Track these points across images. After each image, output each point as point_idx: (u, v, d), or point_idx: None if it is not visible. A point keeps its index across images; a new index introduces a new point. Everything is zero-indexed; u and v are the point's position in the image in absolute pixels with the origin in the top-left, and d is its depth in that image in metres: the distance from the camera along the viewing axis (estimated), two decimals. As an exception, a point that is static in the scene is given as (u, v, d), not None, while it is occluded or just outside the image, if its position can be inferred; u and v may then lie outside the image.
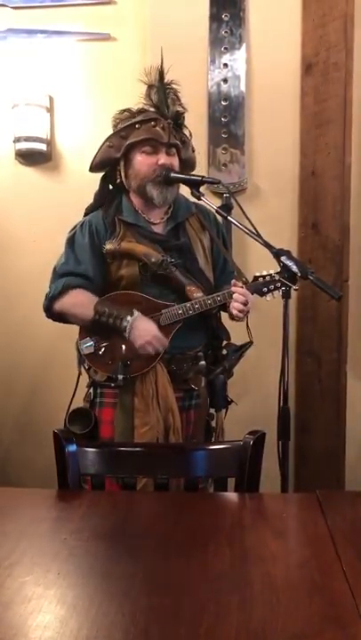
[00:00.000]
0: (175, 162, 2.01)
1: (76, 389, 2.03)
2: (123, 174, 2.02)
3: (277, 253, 1.86)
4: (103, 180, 2.08)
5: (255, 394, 2.56)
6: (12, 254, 2.90)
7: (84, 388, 2.06)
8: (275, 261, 1.88)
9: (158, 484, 1.50)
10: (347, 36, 2.61)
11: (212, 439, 2.07)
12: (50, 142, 2.83)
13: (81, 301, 1.96)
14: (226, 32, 2.68)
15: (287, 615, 0.91)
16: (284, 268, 1.85)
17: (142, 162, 1.97)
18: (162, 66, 1.96)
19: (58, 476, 1.47)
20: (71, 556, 1.10)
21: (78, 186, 2.51)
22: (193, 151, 2.10)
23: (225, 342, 2.09)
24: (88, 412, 2.00)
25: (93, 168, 2.06)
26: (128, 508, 1.36)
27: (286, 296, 1.87)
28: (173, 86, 2.00)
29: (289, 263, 1.84)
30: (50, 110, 2.82)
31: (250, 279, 1.98)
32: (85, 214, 2.08)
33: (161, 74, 1.97)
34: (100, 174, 2.08)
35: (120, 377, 1.91)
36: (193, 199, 2.00)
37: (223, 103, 2.69)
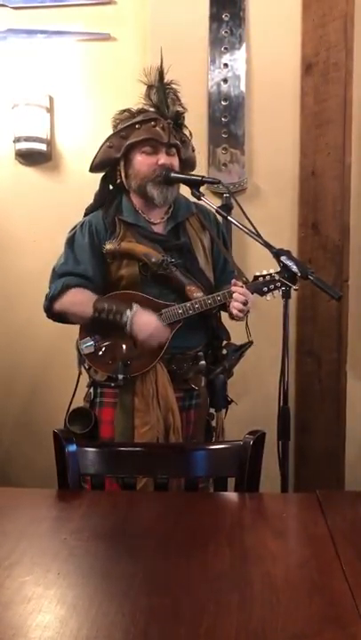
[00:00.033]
0: (175, 162, 2.01)
1: (76, 389, 2.03)
2: (123, 174, 2.02)
3: (277, 253, 1.86)
4: (103, 180, 2.08)
5: (255, 394, 2.56)
6: (11, 254, 2.90)
7: (85, 387, 2.06)
8: (275, 261, 1.88)
9: (158, 484, 1.50)
10: (347, 36, 2.61)
11: (213, 439, 2.07)
12: (50, 142, 2.83)
13: (80, 300, 1.96)
14: (226, 32, 2.68)
15: (287, 615, 0.91)
16: (284, 267, 1.85)
17: (142, 162, 1.98)
18: (161, 66, 1.97)
19: (58, 476, 1.48)
20: (71, 556, 1.10)
21: (78, 186, 2.51)
22: (193, 151, 2.10)
23: (225, 342, 2.09)
24: (88, 412, 2.00)
25: (94, 168, 2.06)
26: (128, 508, 1.36)
27: (286, 296, 1.87)
28: (173, 86, 2.00)
29: (289, 263, 1.84)
30: (50, 110, 2.82)
31: (250, 279, 1.98)
32: (85, 214, 2.08)
33: (161, 74, 1.97)
34: (101, 174, 2.08)
35: (120, 377, 1.91)
36: (193, 199, 2.00)
37: (223, 103, 2.69)
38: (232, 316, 1.99)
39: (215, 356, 2.09)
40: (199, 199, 1.95)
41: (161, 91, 1.98)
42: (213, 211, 2.03)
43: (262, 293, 1.93)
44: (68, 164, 2.85)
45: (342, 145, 2.63)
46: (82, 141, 2.76)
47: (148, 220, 2.03)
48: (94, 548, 1.14)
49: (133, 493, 1.51)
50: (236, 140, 2.70)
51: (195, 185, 1.95)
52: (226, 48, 2.69)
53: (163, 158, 1.96)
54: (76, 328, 2.03)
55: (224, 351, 2.07)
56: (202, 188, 1.96)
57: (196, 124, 2.25)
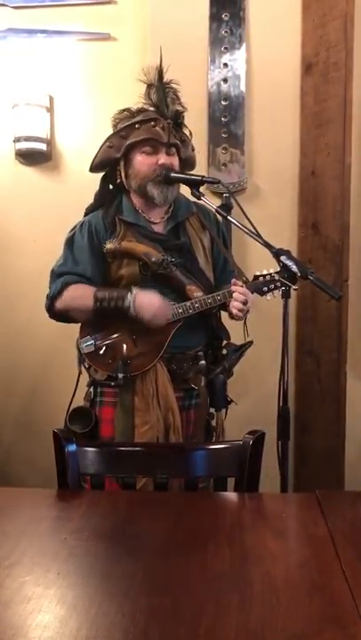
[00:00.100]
0: (175, 161, 2.01)
1: (76, 389, 2.03)
2: (123, 174, 2.02)
3: (277, 253, 1.86)
4: (103, 180, 2.08)
5: (255, 394, 2.56)
6: (12, 254, 2.90)
7: (85, 387, 2.06)
8: (275, 261, 1.88)
9: (158, 484, 1.50)
10: (347, 36, 2.61)
11: (213, 439, 2.07)
12: (50, 142, 2.83)
13: (80, 293, 1.97)
14: (226, 32, 2.68)
15: (287, 615, 0.91)
16: (284, 267, 1.85)
17: (142, 162, 1.98)
18: (161, 65, 1.97)
19: (58, 476, 1.48)
20: (71, 556, 1.10)
21: (78, 186, 2.51)
22: (193, 150, 2.10)
23: (225, 342, 2.09)
24: (88, 412, 2.00)
25: (94, 168, 2.06)
26: (128, 508, 1.36)
27: (286, 296, 1.87)
28: (173, 85, 2.00)
29: (289, 263, 1.84)
30: (50, 110, 2.82)
31: (250, 279, 1.98)
32: (85, 214, 2.08)
33: (160, 73, 1.97)
34: (100, 174, 2.08)
35: (120, 376, 1.91)
36: (193, 199, 2.00)
37: (223, 103, 2.69)
38: (232, 316, 1.99)
39: (215, 355, 2.09)
40: (199, 199, 1.96)
41: (160, 90, 1.98)
42: (213, 210, 2.03)
43: (262, 293, 1.93)
44: (68, 163, 2.85)
45: (342, 145, 2.63)
46: (82, 141, 2.76)
47: (149, 220, 2.03)
48: (94, 547, 1.14)
49: (133, 493, 1.51)
50: (236, 140, 2.70)
51: (195, 185, 1.95)
52: (226, 48, 2.69)
53: (163, 158, 1.96)
54: (75, 328, 2.03)
55: (224, 351, 2.07)
56: (202, 188, 1.96)
57: (196, 124, 2.25)
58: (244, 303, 1.90)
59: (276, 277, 1.90)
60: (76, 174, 2.75)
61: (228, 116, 2.69)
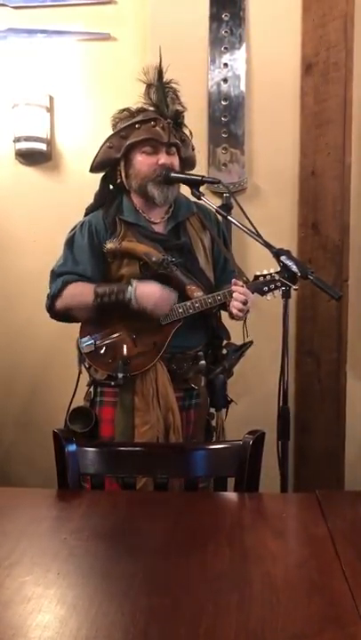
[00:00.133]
0: (175, 161, 2.01)
1: (76, 388, 2.03)
2: (123, 174, 2.02)
3: (277, 253, 1.86)
4: (103, 180, 2.08)
5: (255, 394, 2.56)
6: (12, 254, 2.90)
7: (85, 387, 2.06)
8: (275, 261, 1.88)
9: (158, 484, 1.50)
10: (347, 36, 2.61)
11: (213, 439, 2.07)
12: (50, 142, 2.83)
13: (80, 290, 1.97)
14: (226, 32, 2.68)
15: (287, 615, 0.91)
16: (284, 267, 1.85)
17: (143, 162, 1.98)
18: (160, 65, 1.97)
19: (58, 476, 1.48)
20: (71, 556, 1.10)
21: (78, 186, 2.51)
22: (193, 150, 2.10)
23: (225, 342, 2.09)
24: (88, 411, 2.01)
25: (94, 169, 2.06)
26: (128, 508, 1.36)
27: (286, 296, 1.87)
28: (172, 85, 2.00)
29: (289, 263, 1.84)
30: (50, 110, 2.82)
31: (250, 278, 1.98)
32: (86, 214, 2.08)
33: (160, 73, 1.97)
34: (101, 175, 2.08)
35: (120, 375, 1.91)
36: (193, 199, 2.00)
37: (223, 103, 2.69)
38: (232, 316, 1.99)
39: (215, 355, 2.09)
40: (199, 199, 1.96)
41: (160, 90, 1.98)
42: (213, 210, 2.03)
43: (263, 293, 1.93)
44: (68, 163, 2.85)
45: (342, 145, 2.63)
46: (82, 141, 2.76)
47: (149, 220, 2.03)
48: (94, 547, 1.14)
49: (133, 493, 1.52)
50: (236, 140, 2.70)
51: (195, 185, 1.95)
52: (226, 48, 2.69)
53: (163, 158, 1.96)
54: (75, 328, 2.04)
55: (224, 351, 2.07)
56: (202, 188, 1.96)
57: (196, 124, 2.25)
58: (245, 303, 1.90)
59: (277, 277, 1.90)
60: (76, 174, 2.75)
61: (228, 116, 2.69)
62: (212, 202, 2.01)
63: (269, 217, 2.52)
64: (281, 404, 1.88)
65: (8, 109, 2.81)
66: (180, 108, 2.02)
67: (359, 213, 2.68)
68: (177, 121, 2.01)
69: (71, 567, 1.07)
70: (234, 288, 1.91)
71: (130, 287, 1.91)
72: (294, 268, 1.83)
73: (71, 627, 0.88)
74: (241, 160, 2.70)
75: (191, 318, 1.96)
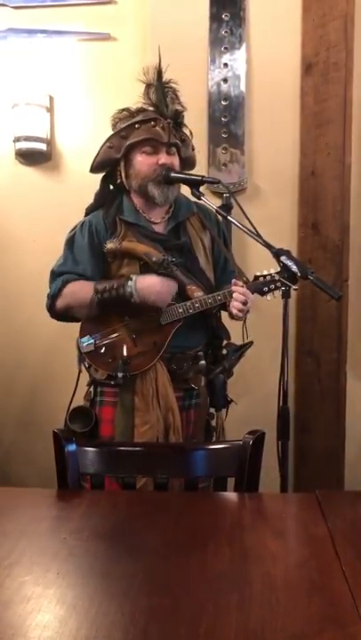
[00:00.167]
0: (176, 161, 2.01)
1: (76, 388, 2.03)
2: (123, 174, 2.02)
3: (277, 253, 1.86)
4: (104, 180, 2.08)
5: (255, 394, 2.56)
6: (12, 254, 2.90)
7: (85, 386, 2.06)
8: (275, 261, 1.88)
9: (158, 484, 1.50)
10: (347, 36, 2.61)
11: (213, 439, 2.07)
12: (50, 142, 2.83)
13: (80, 287, 1.97)
14: (226, 32, 2.68)
15: (286, 615, 0.91)
16: (284, 267, 1.85)
17: (143, 162, 1.98)
18: (160, 65, 1.97)
19: (57, 476, 1.48)
20: (71, 556, 1.10)
21: (78, 186, 2.51)
22: (193, 150, 2.10)
23: (225, 342, 2.09)
24: (88, 411, 2.01)
25: (94, 169, 2.06)
26: (128, 508, 1.36)
27: (286, 296, 1.87)
28: (172, 85, 2.00)
29: (289, 263, 1.84)
30: (50, 110, 2.82)
31: (250, 279, 1.98)
32: (86, 214, 2.08)
33: (159, 73, 1.97)
34: (101, 175, 2.08)
35: (120, 375, 1.91)
36: (193, 199, 2.00)
37: (223, 103, 2.69)
38: (232, 316, 1.99)
39: (215, 355, 2.09)
40: (199, 199, 1.96)
41: (160, 90, 1.98)
42: (213, 210, 2.03)
43: (263, 293, 1.93)
44: (68, 163, 2.85)
45: (342, 145, 2.63)
46: (82, 141, 2.76)
47: (149, 220, 2.03)
48: (94, 547, 1.14)
49: (133, 493, 1.51)
50: (236, 140, 2.70)
51: (195, 185, 1.95)
52: (226, 48, 2.69)
53: (163, 158, 1.96)
54: (76, 327, 2.04)
55: (224, 351, 2.07)
56: (202, 188, 1.96)
57: (196, 124, 2.25)
58: (245, 303, 1.90)
59: (277, 277, 1.90)
60: (76, 174, 2.75)
61: (228, 116, 2.69)
62: (212, 202, 2.01)
63: (269, 217, 2.52)
64: (281, 404, 1.88)
65: (8, 109, 2.81)
66: (179, 107, 2.02)
67: (359, 213, 2.68)
68: (177, 121, 2.01)
69: (71, 567, 1.07)
70: (234, 288, 1.91)
71: (130, 281, 1.91)
72: (294, 268, 1.83)
73: (71, 626, 0.88)
74: (241, 160, 2.70)
75: (191, 318, 1.96)
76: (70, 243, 2.02)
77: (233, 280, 1.94)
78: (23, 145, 2.79)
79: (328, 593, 0.97)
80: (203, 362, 2.03)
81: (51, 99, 2.82)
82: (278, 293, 1.91)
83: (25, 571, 1.04)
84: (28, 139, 2.77)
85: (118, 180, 2.04)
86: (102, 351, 1.97)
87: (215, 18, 2.68)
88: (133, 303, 1.91)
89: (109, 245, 1.96)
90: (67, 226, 2.08)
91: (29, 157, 2.84)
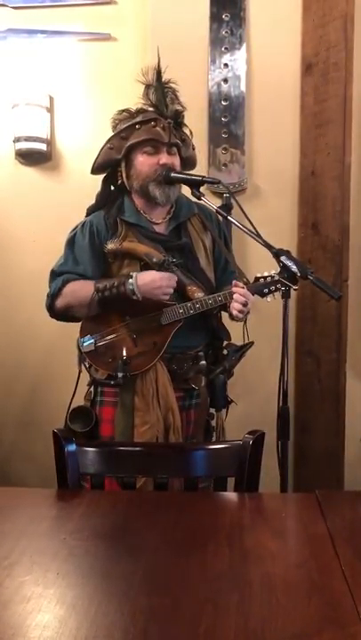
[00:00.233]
0: (176, 161, 2.01)
1: (76, 388, 2.03)
2: (124, 175, 2.03)
3: (277, 253, 1.87)
4: (105, 181, 2.08)
5: (255, 394, 2.56)
6: (12, 254, 2.90)
7: (85, 386, 2.06)
8: (275, 261, 1.88)
9: (158, 484, 1.50)
10: (347, 36, 2.61)
11: (213, 439, 2.07)
12: (50, 142, 2.83)
13: (80, 286, 1.97)
14: (226, 32, 2.68)
15: (286, 615, 0.91)
16: (284, 267, 1.85)
17: (144, 162, 1.98)
18: (159, 65, 1.97)
19: (57, 476, 1.48)
20: (71, 556, 1.10)
21: (78, 186, 2.51)
22: (193, 149, 2.10)
23: (226, 342, 2.10)
24: (89, 411, 2.01)
25: (95, 170, 2.06)
26: (128, 508, 1.36)
27: (286, 296, 1.87)
28: (172, 85, 2.00)
29: (289, 263, 1.84)
30: (50, 110, 2.82)
31: (250, 279, 1.98)
32: (87, 215, 2.08)
33: (159, 73, 1.97)
34: (102, 176, 2.08)
35: (120, 375, 1.91)
36: (194, 199, 2.00)
37: (223, 103, 2.69)
38: (232, 317, 2.00)
39: (216, 356, 2.09)
40: (199, 199, 1.96)
41: (159, 90, 1.98)
42: (214, 211, 2.04)
43: (263, 295, 1.93)
44: (68, 163, 2.85)
45: (342, 145, 2.63)
46: (82, 141, 2.76)
47: (150, 220, 2.03)
48: (94, 547, 1.14)
49: (133, 493, 1.52)
50: (237, 140, 2.70)
51: (195, 185, 1.95)
52: (226, 48, 2.69)
53: (164, 158, 1.97)
54: (76, 327, 2.04)
55: (225, 351, 2.07)
56: (202, 188, 1.96)
57: (197, 124, 2.25)
58: (245, 305, 1.90)
59: (277, 278, 1.90)
60: (76, 174, 2.75)
61: (228, 117, 2.69)
62: (212, 202, 2.02)
63: (269, 217, 2.52)
64: (281, 404, 1.88)
65: (8, 109, 2.81)
66: (179, 107, 2.02)
67: (359, 213, 2.68)
68: (177, 121, 2.01)
69: (71, 567, 1.07)
70: (234, 289, 1.91)
71: (130, 279, 1.91)
72: (294, 268, 1.83)
73: (71, 626, 0.88)
74: (241, 160, 2.70)
75: (191, 318, 1.96)
76: (71, 243, 2.02)
77: (233, 281, 1.94)
78: (23, 145, 2.79)
79: (328, 593, 0.97)
80: (203, 362, 2.04)
81: (51, 99, 2.82)
82: (278, 295, 1.91)
83: (25, 571, 1.04)
84: (28, 139, 2.77)
85: (119, 181, 2.04)
86: (102, 351, 1.97)
87: (215, 18, 2.68)
88: (135, 300, 1.91)
89: (110, 246, 1.97)
90: (67, 226, 2.08)
91: (29, 157, 2.85)
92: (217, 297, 1.95)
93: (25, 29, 2.81)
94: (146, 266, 1.95)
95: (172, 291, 1.93)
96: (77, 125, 2.83)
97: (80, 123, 2.82)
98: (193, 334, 2.01)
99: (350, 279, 2.68)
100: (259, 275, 1.95)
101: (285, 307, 1.87)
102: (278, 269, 1.89)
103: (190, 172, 2.06)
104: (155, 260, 1.94)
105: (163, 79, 1.98)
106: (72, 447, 1.48)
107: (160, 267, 1.93)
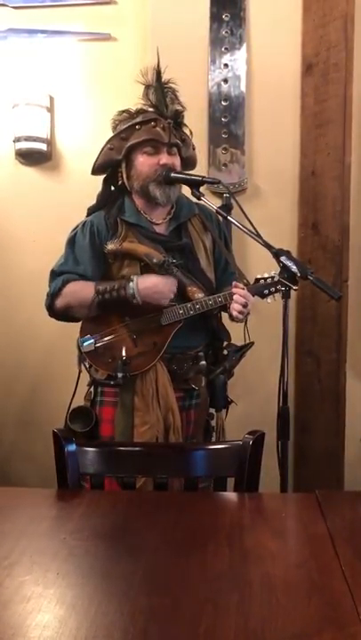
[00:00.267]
0: (177, 161, 2.01)
1: (76, 388, 2.03)
2: (125, 176, 2.03)
3: (277, 253, 1.86)
4: (105, 182, 2.08)
5: (255, 394, 2.56)
6: (12, 254, 2.90)
7: (85, 386, 2.06)
8: (275, 261, 1.88)
9: (158, 484, 1.50)
10: (347, 36, 2.61)
11: (212, 439, 2.07)
12: (50, 142, 2.83)
13: (81, 287, 1.97)
14: (226, 32, 2.68)
15: (286, 615, 0.91)
16: (284, 268, 1.85)
17: (144, 162, 1.98)
18: (158, 65, 1.97)
19: (57, 476, 1.48)
20: (70, 556, 1.10)
21: (78, 186, 2.51)
22: (193, 149, 2.10)
23: (226, 343, 2.10)
24: (89, 411, 2.01)
25: (95, 171, 2.06)
26: (128, 508, 1.36)
27: (286, 296, 1.87)
28: (171, 85, 2.00)
29: (289, 263, 1.84)
30: (50, 110, 2.82)
31: (250, 280, 1.98)
32: (88, 215, 2.08)
33: (158, 73, 1.97)
34: (102, 176, 2.08)
35: (120, 375, 1.91)
36: (194, 199, 2.00)
37: (223, 103, 2.69)
38: (232, 318, 2.00)
39: (216, 356, 2.09)
40: (199, 199, 1.96)
41: (159, 90, 1.98)
42: (214, 211, 2.04)
43: (263, 296, 1.93)
44: (68, 163, 2.85)
45: (342, 145, 2.63)
46: (82, 141, 2.76)
47: (151, 221, 2.03)
48: (94, 547, 1.14)
49: (133, 493, 1.52)
50: (237, 140, 2.70)
51: (195, 185, 1.95)
52: (226, 48, 2.69)
53: (164, 158, 1.97)
54: (76, 327, 2.04)
55: (225, 352, 2.07)
56: (202, 189, 1.96)
57: (197, 124, 2.25)
58: (245, 306, 1.90)
59: (277, 279, 1.90)
60: (76, 174, 2.75)
61: (228, 117, 2.69)
62: (212, 202, 2.02)
63: (269, 217, 2.52)
64: (281, 404, 1.88)
65: (8, 109, 2.81)
66: (179, 107, 2.02)
67: (359, 213, 2.68)
68: (177, 121, 2.01)
69: (71, 567, 1.07)
70: (234, 290, 1.91)
71: (131, 283, 1.91)
72: (294, 268, 1.83)
73: (70, 626, 0.88)
74: (241, 160, 2.70)
75: (191, 319, 1.96)
76: (71, 242, 2.02)
77: (233, 282, 1.94)
78: (23, 145, 2.79)
79: (328, 593, 0.97)
80: (203, 362, 2.04)
81: (51, 99, 2.82)
82: (278, 295, 1.91)
83: (25, 570, 1.04)
84: (28, 139, 2.77)
85: (120, 182, 2.04)
86: (102, 351, 1.97)
87: (215, 18, 2.68)
88: (135, 304, 1.91)
89: (110, 246, 1.97)
90: (67, 226, 2.08)
91: (29, 157, 2.85)
92: (217, 298, 1.95)
93: (25, 29, 2.81)
94: (146, 266, 1.95)
95: (172, 296, 1.94)
96: (77, 125, 2.83)
97: (80, 123, 2.82)
98: (193, 334, 2.01)
99: (350, 279, 2.68)
100: (259, 276, 1.96)
101: (285, 307, 1.87)
102: (278, 270, 1.89)
103: (190, 173, 2.06)
104: (155, 260, 1.94)
105: (163, 79, 1.98)
106: (72, 447, 1.48)
107: (160, 267, 1.93)
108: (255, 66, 2.70)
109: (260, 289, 1.93)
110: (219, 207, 2.01)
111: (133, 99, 2.03)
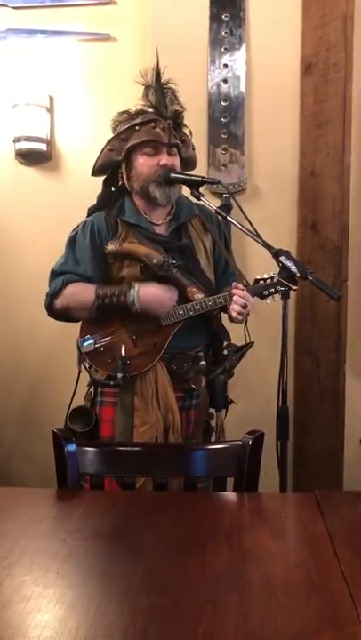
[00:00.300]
0: (177, 161, 2.01)
1: (76, 388, 2.03)
2: (125, 176, 2.03)
3: (276, 253, 1.87)
4: (105, 183, 2.08)
5: (255, 394, 2.56)
6: (12, 254, 2.90)
7: (85, 386, 2.07)
8: (274, 262, 1.88)
9: (157, 484, 1.50)
10: (347, 36, 2.61)
11: (212, 439, 2.08)
12: (50, 142, 2.83)
13: (81, 289, 1.97)
14: (226, 32, 2.68)
15: (286, 615, 0.91)
16: (284, 268, 1.86)
17: (144, 163, 1.98)
18: (158, 66, 1.97)
19: (57, 476, 1.48)
20: (70, 556, 1.10)
21: (78, 186, 2.51)
22: (193, 149, 2.10)
23: (226, 343, 2.10)
24: (89, 411, 2.01)
25: (95, 172, 2.06)
26: (127, 508, 1.36)
27: (285, 296, 1.88)
28: (171, 86, 2.00)
29: (288, 263, 1.84)
30: (50, 110, 2.82)
31: (250, 280, 1.98)
32: (88, 215, 2.08)
33: (158, 74, 1.97)
34: (102, 177, 2.08)
35: (119, 375, 1.91)
36: (194, 199, 2.01)
37: (223, 103, 2.69)
38: (232, 319, 2.00)
39: (216, 356, 2.09)
40: (199, 199, 1.96)
41: (159, 91, 1.98)
42: (213, 211, 2.04)
43: (263, 297, 1.94)
44: (68, 163, 2.85)
45: (342, 145, 2.63)
46: (82, 141, 2.76)
47: (151, 221, 2.03)
48: (93, 547, 1.14)
49: (133, 493, 1.52)
50: (236, 141, 2.70)
51: (194, 185, 1.95)
52: (226, 48, 2.69)
53: (164, 159, 1.97)
54: (76, 327, 2.04)
55: (225, 352, 2.07)
56: (201, 189, 1.96)
57: (196, 125, 2.25)
58: (244, 307, 1.90)
59: (276, 280, 1.90)
60: (76, 174, 2.75)
61: (227, 117, 2.69)
62: (211, 202, 2.02)
63: (269, 217, 2.52)
64: (280, 404, 1.88)
65: (8, 109, 2.81)
66: (179, 108, 2.02)
67: (359, 213, 2.68)
68: (177, 121, 2.01)
69: (70, 567, 1.07)
70: (234, 291, 1.91)
71: (132, 290, 1.91)
72: (293, 268, 1.84)
73: (70, 626, 0.88)
74: (241, 160, 2.70)
75: (191, 319, 1.96)
76: (72, 242, 2.02)
77: (233, 283, 1.94)
78: (23, 145, 2.79)
79: (327, 593, 0.97)
80: (203, 362, 2.04)
81: (51, 99, 2.82)
82: (278, 295, 1.91)
83: (25, 570, 1.04)
84: (28, 139, 2.77)
85: (120, 182, 2.05)
86: (102, 351, 1.97)
87: (215, 18, 2.68)
88: (133, 312, 1.92)
89: (110, 247, 1.97)
90: (67, 226, 2.08)
91: (29, 157, 2.85)
92: (217, 298, 1.95)
93: (25, 29, 2.81)
94: (146, 267, 1.95)
95: (171, 306, 1.94)
96: (77, 125, 2.83)
97: (80, 123, 2.82)
98: (193, 335, 2.01)
99: (350, 279, 2.68)
100: (259, 277, 1.96)
101: (285, 307, 1.87)
102: (278, 270, 1.89)
103: (190, 173, 2.06)
104: (155, 261, 1.94)
105: (162, 80, 1.98)
106: (72, 447, 1.48)
107: (160, 268, 1.94)
108: (255, 66, 2.70)
109: (259, 290, 1.93)
110: (218, 207, 2.02)
111: (133, 99, 2.03)
